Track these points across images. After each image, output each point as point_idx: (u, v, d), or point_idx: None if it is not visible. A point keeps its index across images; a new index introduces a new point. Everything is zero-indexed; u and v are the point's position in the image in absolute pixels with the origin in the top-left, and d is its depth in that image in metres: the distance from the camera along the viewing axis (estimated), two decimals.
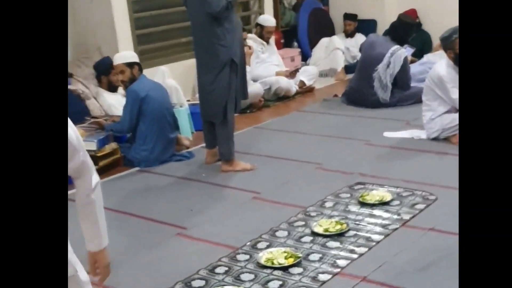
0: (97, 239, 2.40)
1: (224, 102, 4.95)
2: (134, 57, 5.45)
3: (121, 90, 5.90)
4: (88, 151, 4.95)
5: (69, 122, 2.11)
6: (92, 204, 2.30)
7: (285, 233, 3.82)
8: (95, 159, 5.12)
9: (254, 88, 6.95)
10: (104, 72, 6.11)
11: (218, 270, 3.42)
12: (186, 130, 5.94)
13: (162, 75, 6.16)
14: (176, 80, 6.22)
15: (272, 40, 7.85)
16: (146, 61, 6.49)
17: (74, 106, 5.83)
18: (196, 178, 4.97)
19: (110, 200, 4.54)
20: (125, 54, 5.58)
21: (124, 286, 3.35)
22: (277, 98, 7.36)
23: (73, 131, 2.13)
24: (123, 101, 5.49)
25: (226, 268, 3.43)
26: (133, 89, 5.30)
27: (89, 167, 2.26)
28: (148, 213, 4.31)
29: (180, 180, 4.98)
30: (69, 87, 6.05)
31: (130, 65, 5.34)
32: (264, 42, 7.65)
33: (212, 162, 5.24)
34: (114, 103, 6.02)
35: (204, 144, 5.35)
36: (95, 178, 2.28)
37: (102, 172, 5.13)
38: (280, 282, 3.25)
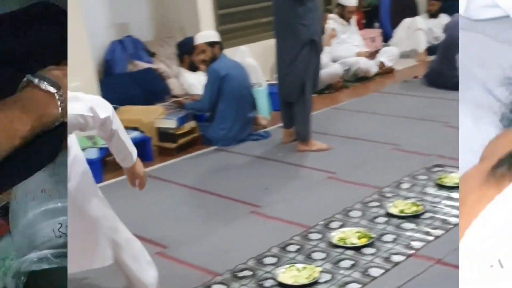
0: (129, 156, 2.71)
1: (303, 82, 4.94)
2: (215, 37, 5.51)
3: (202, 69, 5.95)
4: (168, 129, 5.16)
5: (81, 96, 2.37)
6: (116, 132, 2.56)
7: (359, 213, 3.78)
8: (174, 137, 5.24)
9: (333, 69, 6.93)
10: (187, 51, 6.17)
11: (290, 248, 3.41)
12: (264, 110, 5.94)
13: (241, 55, 6.19)
14: (255, 60, 6.24)
15: (353, 20, 7.75)
16: (226, 41, 6.47)
17: (156, 85, 6.00)
18: (272, 158, 4.98)
19: (187, 177, 4.65)
20: (207, 33, 5.65)
21: (199, 261, 3.38)
22: (356, 79, 7.27)
23: (84, 105, 2.37)
24: (203, 80, 5.55)
25: (298, 247, 3.42)
26: (214, 68, 5.34)
27: (106, 116, 2.47)
28: (224, 191, 4.34)
29: (256, 159, 5.00)
30: (151, 66, 6.19)
31: (211, 44, 5.41)
32: (345, 22, 7.56)
33: (288, 142, 5.23)
34: (195, 82, 6.08)
35: (281, 124, 5.37)
36: (111, 112, 2.51)
37: (180, 150, 5.25)
38: (352, 262, 3.21)
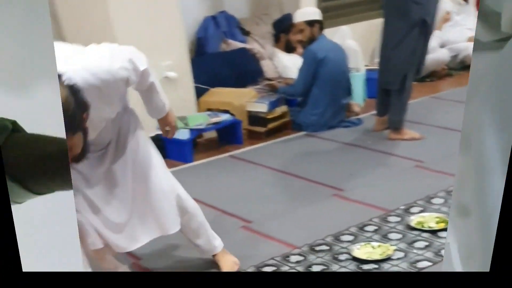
0: (163, 107, 3.23)
1: (406, 69, 5.29)
2: (316, 15, 5.85)
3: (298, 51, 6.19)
4: (259, 112, 5.72)
5: (117, 49, 2.90)
6: (153, 84, 3.08)
7: (441, 200, 4.42)
8: (265, 121, 5.88)
9: (440, 54, 7.26)
10: (283, 30, 6.52)
11: (367, 228, 4.11)
12: (358, 96, 6.34)
13: (342, 36, 6.50)
14: (356, 43, 6.54)
15: None
16: (327, 19, 6.53)
17: (249, 66, 6.51)
18: (361, 145, 5.60)
19: (275, 161, 5.38)
20: (307, 11, 6.00)
21: (280, 235, 4.12)
22: (462, 67, 7.47)
23: (123, 58, 2.88)
24: (299, 63, 5.96)
25: (376, 227, 4.11)
26: (312, 49, 5.76)
27: (145, 68, 2.97)
28: (309, 175, 5.03)
29: (345, 146, 5.64)
30: (245, 45, 6.63)
31: (311, 23, 5.81)
32: (462, 2, 7.83)
33: (380, 130, 5.74)
34: (290, 64, 6.54)
35: (374, 112, 5.88)
36: (147, 64, 3.01)
37: (270, 134, 5.91)
38: (427, 243, 3.87)
